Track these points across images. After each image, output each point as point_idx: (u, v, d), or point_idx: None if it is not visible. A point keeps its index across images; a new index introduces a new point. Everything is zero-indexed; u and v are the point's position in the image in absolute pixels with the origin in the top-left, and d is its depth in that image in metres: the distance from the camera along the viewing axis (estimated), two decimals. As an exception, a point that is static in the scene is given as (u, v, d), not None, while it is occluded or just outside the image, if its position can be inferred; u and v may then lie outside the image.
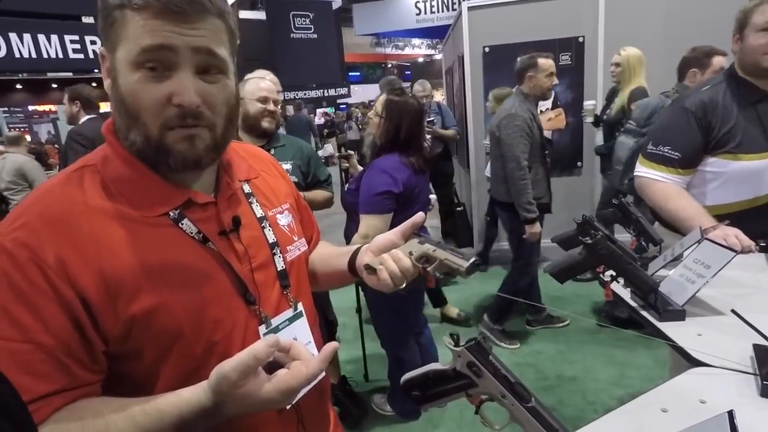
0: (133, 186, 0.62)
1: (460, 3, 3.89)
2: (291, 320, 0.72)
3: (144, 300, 0.58)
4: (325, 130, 11.21)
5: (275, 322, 0.70)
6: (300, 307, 0.75)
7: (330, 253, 0.90)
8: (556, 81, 2.55)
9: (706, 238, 1.10)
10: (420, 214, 0.74)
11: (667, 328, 1.00)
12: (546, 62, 2.50)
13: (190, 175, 0.65)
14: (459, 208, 4.40)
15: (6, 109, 14.21)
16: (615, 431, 0.72)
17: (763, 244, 1.30)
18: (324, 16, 11.39)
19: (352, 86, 17.73)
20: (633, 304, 1.13)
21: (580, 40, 3.69)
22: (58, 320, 0.55)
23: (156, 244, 0.61)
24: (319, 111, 15.02)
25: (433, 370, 0.65)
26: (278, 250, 0.72)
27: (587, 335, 2.79)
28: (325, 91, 16.00)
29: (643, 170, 1.56)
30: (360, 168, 2.15)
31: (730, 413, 0.52)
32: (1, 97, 10.88)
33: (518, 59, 2.62)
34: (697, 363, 0.86)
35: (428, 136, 4.07)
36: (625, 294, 1.16)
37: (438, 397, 0.65)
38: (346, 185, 2.05)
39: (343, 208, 1.96)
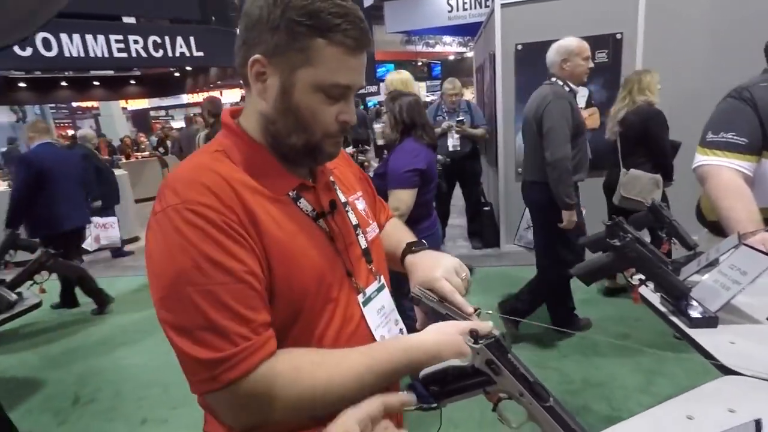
0: (259, 169, 0.71)
1: (493, 0, 3.84)
2: (378, 290, 0.82)
3: (284, 263, 0.67)
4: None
5: (368, 292, 0.79)
6: (382, 279, 0.84)
7: (388, 243, 0.96)
8: None
9: (744, 244, 1.06)
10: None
11: (698, 335, 0.97)
12: None
13: (301, 165, 0.76)
14: (486, 208, 4.35)
15: (53, 105, 14.95)
16: (637, 436, 0.71)
17: (806, 252, 1.23)
18: (355, 14, 11.44)
19: (381, 84, 17.77)
20: (662, 309, 1.10)
21: (618, 36, 3.57)
22: (254, 264, 0.64)
23: (286, 215, 0.70)
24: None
25: (452, 367, 0.66)
26: (360, 231, 0.82)
27: (614, 339, 2.72)
28: (355, 88, 16.05)
29: (705, 159, 1.44)
30: (374, 162, 2.42)
31: (758, 422, 0.50)
32: (48, 94, 11.50)
33: None
34: (728, 371, 0.83)
35: (456, 135, 4.05)
36: (655, 299, 1.13)
37: (456, 393, 0.66)
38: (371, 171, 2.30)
39: None
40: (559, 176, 2.39)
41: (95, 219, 4.01)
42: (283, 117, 0.69)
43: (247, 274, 0.63)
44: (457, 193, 4.40)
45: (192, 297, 0.60)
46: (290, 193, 0.73)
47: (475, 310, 0.77)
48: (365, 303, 0.78)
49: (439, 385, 0.67)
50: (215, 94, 17.75)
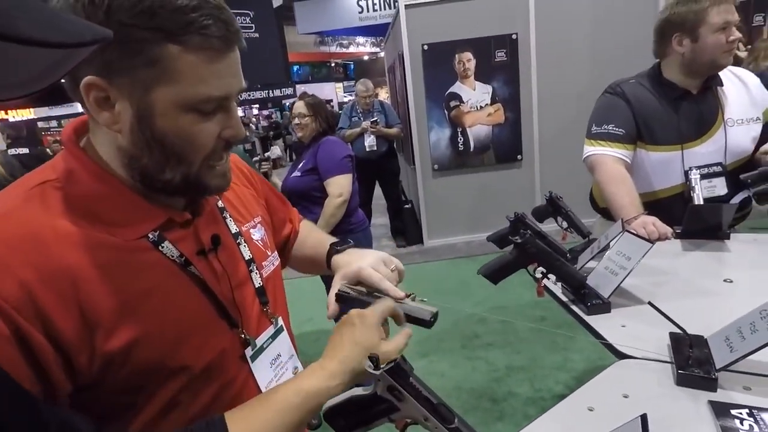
0: (107, 204, 0.56)
1: (397, 1, 3.89)
2: (273, 337, 0.72)
3: (123, 334, 0.53)
4: (271, 132, 10.95)
5: (259, 342, 0.69)
6: (279, 321, 0.74)
7: (309, 247, 0.91)
8: None
9: (627, 230, 1.15)
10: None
11: (595, 321, 1.02)
12: None
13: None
14: (407, 206, 4.42)
15: None
16: (544, 435, 0.72)
17: (679, 231, 1.37)
18: (264, 14, 11.04)
19: (297, 86, 17.42)
20: (564, 298, 1.15)
21: (514, 37, 3.79)
22: (16, 369, 0.46)
23: (134, 271, 0.56)
24: (264, 113, 14.58)
25: (355, 396, 0.62)
26: (254, 267, 0.70)
27: (533, 323, 2.88)
28: (270, 91, 15.53)
29: (592, 149, 1.58)
30: (277, 179, 2.50)
31: (644, 417, 0.52)
32: None
33: None
34: (622, 356, 0.89)
35: (372, 135, 4.05)
36: (557, 289, 1.18)
37: (361, 424, 0.62)
38: (290, 175, 2.27)
39: (289, 197, 2.19)
40: None
41: None
42: (149, 151, 0.55)
43: None
44: (377, 192, 4.43)
45: None
46: (150, 235, 0.57)
47: (408, 295, 0.72)
48: (255, 356, 0.67)
49: (344, 419, 0.63)
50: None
